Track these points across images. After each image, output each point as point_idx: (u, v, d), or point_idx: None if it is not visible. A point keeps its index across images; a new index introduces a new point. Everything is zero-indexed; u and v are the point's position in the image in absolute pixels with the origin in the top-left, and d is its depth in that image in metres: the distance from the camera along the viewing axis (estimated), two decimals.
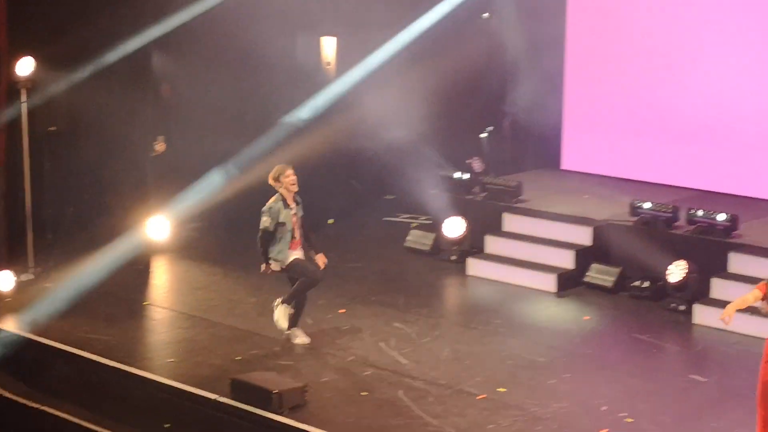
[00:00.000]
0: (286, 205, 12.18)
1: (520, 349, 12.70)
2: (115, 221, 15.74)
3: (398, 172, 17.01)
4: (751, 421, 10.83)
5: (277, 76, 16.35)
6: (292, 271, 12.36)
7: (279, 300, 12.53)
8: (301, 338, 12.62)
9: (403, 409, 11.11)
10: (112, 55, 15.66)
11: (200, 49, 16.55)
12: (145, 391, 11.78)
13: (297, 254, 12.38)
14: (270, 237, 12.20)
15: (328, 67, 17.12)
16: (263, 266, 12.40)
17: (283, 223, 12.17)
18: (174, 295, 14.73)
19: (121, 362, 12.20)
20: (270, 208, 12.16)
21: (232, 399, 11.28)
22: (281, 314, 12.47)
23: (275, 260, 12.31)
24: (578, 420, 10.90)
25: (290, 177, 12.15)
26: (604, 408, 11.17)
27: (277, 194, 12.23)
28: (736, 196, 15.83)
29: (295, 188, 12.20)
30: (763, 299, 9.42)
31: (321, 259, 12.48)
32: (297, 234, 12.30)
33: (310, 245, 12.49)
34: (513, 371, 12.09)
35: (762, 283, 9.46)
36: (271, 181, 12.25)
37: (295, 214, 12.27)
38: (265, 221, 12.16)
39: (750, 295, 9.56)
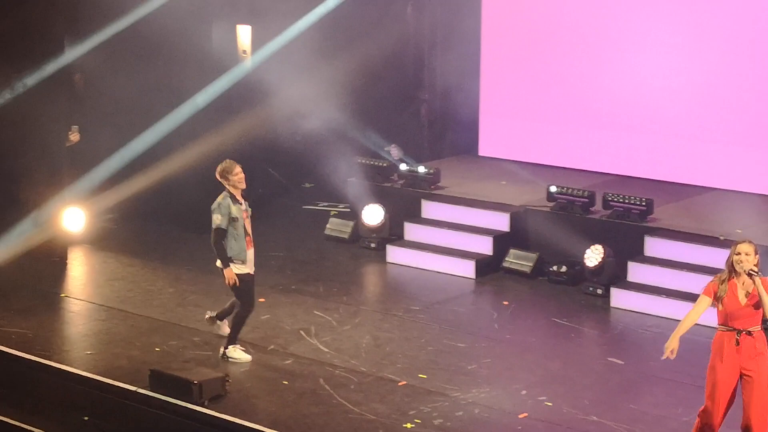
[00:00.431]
0: (236, 201, 11.67)
1: (440, 336, 12.75)
2: (29, 212, 15.52)
3: (316, 160, 16.98)
4: (668, 402, 10.99)
5: (191, 65, 16.21)
6: (242, 285, 11.79)
7: (215, 319, 12.42)
8: (224, 329, 12.40)
9: (324, 397, 11.11)
10: (25, 45, 15.43)
11: (114, 38, 16.35)
12: (63, 384, 11.64)
13: (251, 256, 11.80)
14: (224, 235, 11.61)
15: (243, 55, 17.02)
16: (226, 272, 11.69)
17: (236, 218, 11.63)
18: (91, 286, 14.58)
19: (38, 355, 12.05)
20: (219, 204, 11.63)
21: (152, 390, 11.19)
22: (235, 354, 12.00)
23: (237, 260, 11.69)
24: (498, 404, 10.97)
25: (238, 175, 11.65)
26: (523, 392, 11.25)
27: (224, 191, 11.73)
28: (651, 180, 16.03)
29: (243, 186, 11.72)
30: (711, 301, 9.34)
31: None
32: (249, 230, 11.81)
33: None
34: (433, 357, 12.14)
35: (708, 288, 9.34)
36: (218, 177, 11.76)
37: (246, 210, 11.80)
38: (217, 219, 11.59)
39: (697, 308, 9.38)
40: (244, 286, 11.80)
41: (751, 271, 9.04)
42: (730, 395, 9.24)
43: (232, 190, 11.71)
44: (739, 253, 9.15)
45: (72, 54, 16.09)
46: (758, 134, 15.23)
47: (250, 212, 11.86)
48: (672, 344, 9.38)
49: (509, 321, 13.34)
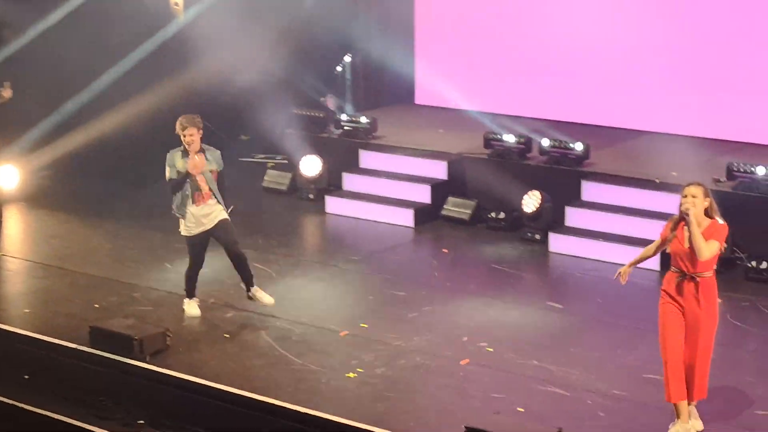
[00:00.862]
0: (186, 155, 11.35)
1: (380, 285, 12.78)
2: None
3: (253, 113, 16.88)
4: (607, 344, 11.11)
5: (125, 20, 16.01)
6: (187, 244, 11.66)
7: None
8: (265, 297, 11.86)
9: (266, 349, 11.11)
10: None
11: None
12: (2, 343, 11.55)
13: (201, 212, 11.43)
14: (178, 186, 11.38)
15: (176, 7, 16.84)
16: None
17: (181, 173, 11.37)
18: (28, 244, 14.45)
19: None
20: (168, 156, 11.40)
21: (92, 347, 11.14)
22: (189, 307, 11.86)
23: (178, 215, 11.50)
24: (440, 351, 11.04)
25: (187, 137, 11.27)
26: (464, 339, 11.32)
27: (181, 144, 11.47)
28: (587, 125, 16.10)
29: (192, 149, 11.31)
30: (663, 242, 9.31)
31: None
32: (204, 187, 11.39)
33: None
34: (374, 307, 12.17)
35: (665, 227, 9.27)
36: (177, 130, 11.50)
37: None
38: (166, 171, 11.40)
39: (652, 245, 9.42)
40: (188, 246, 11.69)
41: (684, 214, 9.02)
42: (676, 335, 9.18)
43: (185, 145, 11.43)
44: (685, 195, 9.05)
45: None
46: (691, 77, 15.33)
47: (210, 168, 11.42)
48: (624, 269, 9.48)
49: (449, 268, 13.39)
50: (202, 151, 11.43)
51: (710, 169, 13.89)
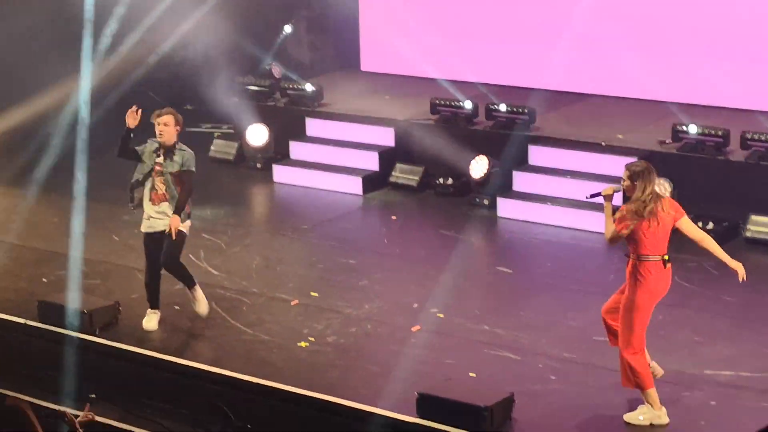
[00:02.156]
0: (157, 149, 10.65)
1: (330, 253, 12.78)
2: None
3: (197, 82, 16.75)
4: (556, 308, 11.19)
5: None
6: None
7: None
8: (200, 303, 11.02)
9: (217, 320, 11.08)
10: None
11: None
12: None
13: (151, 212, 10.68)
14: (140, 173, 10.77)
15: None
16: None
17: (144, 163, 10.70)
18: None
19: None
20: (146, 142, 10.78)
21: (41, 322, 11.07)
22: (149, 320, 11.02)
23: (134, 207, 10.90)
24: (391, 318, 11.06)
25: (157, 127, 10.60)
26: (415, 305, 11.35)
27: None
28: (533, 89, 16.09)
29: (160, 138, 10.60)
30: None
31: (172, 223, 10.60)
32: (161, 187, 10.64)
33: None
34: (324, 275, 12.17)
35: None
36: None
37: (161, 163, 10.63)
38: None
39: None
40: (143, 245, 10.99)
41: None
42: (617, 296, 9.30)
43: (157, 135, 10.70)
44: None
45: None
46: (635, 38, 15.37)
47: (171, 170, 10.58)
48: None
49: (398, 235, 13.41)
50: (172, 149, 10.64)
51: (656, 131, 13.98)
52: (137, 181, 10.81)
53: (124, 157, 10.82)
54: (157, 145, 10.69)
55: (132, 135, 10.69)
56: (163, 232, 10.64)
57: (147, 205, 10.76)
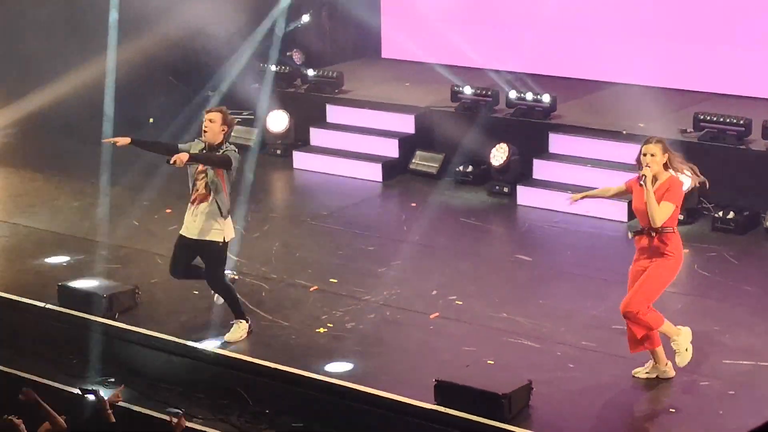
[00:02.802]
0: (203, 149, 10.04)
1: (349, 240, 12.78)
2: None
3: (219, 68, 16.75)
4: (576, 296, 11.17)
5: None
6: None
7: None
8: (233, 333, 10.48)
9: None
10: None
11: None
12: None
13: (189, 216, 10.13)
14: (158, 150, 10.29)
15: None
16: None
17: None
18: None
19: None
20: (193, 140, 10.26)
21: (61, 306, 11.10)
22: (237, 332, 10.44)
23: None
24: (410, 305, 11.06)
25: (206, 123, 9.99)
26: (434, 292, 11.35)
27: None
28: (554, 77, 16.06)
29: (204, 136, 9.97)
30: (625, 191, 9.40)
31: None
32: (199, 186, 10.02)
33: None
34: (344, 262, 12.17)
35: (631, 180, 9.32)
36: None
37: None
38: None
39: (614, 187, 9.53)
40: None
41: (641, 178, 8.97)
42: None
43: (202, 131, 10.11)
44: (644, 154, 9.06)
45: None
46: (658, 27, 15.32)
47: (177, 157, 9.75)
48: (577, 195, 9.66)
49: (417, 222, 13.39)
50: (217, 150, 9.95)
51: (677, 119, 13.93)
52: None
53: (167, 153, 9.98)
54: (202, 145, 10.03)
55: (140, 143, 10.36)
56: (195, 240, 10.07)
57: (188, 207, 10.14)
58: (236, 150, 10.08)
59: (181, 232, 10.27)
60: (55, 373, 10.50)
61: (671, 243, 9.14)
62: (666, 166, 9.10)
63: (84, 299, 10.97)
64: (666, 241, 9.11)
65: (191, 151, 9.97)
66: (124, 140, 10.21)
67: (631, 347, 9.37)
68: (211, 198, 10.00)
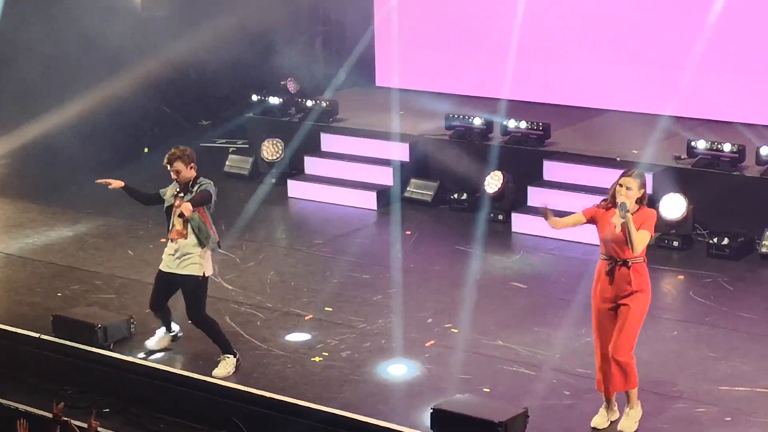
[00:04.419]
0: (179, 191, 10.27)
1: (344, 268, 12.77)
2: None
3: (213, 98, 16.80)
4: (570, 323, 11.16)
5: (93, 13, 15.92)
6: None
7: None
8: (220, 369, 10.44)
9: (230, 334, 11.04)
10: None
11: None
12: None
13: (167, 252, 10.29)
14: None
15: None
16: None
17: (164, 201, 10.35)
18: None
19: None
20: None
21: (55, 336, 11.08)
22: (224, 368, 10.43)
23: None
24: (405, 333, 11.05)
25: (173, 174, 10.21)
26: (429, 320, 11.34)
27: None
28: (547, 104, 16.12)
29: (178, 181, 10.22)
30: (585, 222, 9.23)
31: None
32: (177, 224, 10.14)
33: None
34: (338, 290, 12.16)
35: (589, 210, 9.20)
36: None
37: (181, 197, 10.19)
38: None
39: (571, 217, 9.36)
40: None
41: (622, 206, 8.76)
42: (606, 324, 9.13)
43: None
44: (621, 185, 8.93)
45: None
46: (651, 54, 15.37)
47: (183, 209, 9.93)
48: (546, 212, 9.25)
49: (412, 250, 13.39)
50: (191, 186, 10.18)
51: (671, 146, 13.97)
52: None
53: (151, 204, 10.64)
54: (178, 186, 10.25)
55: (131, 189, 10.49)
56: (173, 274, 10.23)
57: (167, 244, 10.29)
58: (211, 182, 10.24)
59: (160, 267, 10.40)
60: (50, 404, 10.44)
61: (643, 274, 9.01)
62: (639, 201, 9.01)
63: (78, 330, 10.95)
64: (638, 272, 8.97)
65: (167, 195, 10.27)
66: (117, 183, 10.45)
67: (620, 386, 9.19)
68: (188, 233, 10.16)
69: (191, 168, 10.20)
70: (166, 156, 10.25)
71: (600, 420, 9.34)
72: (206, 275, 10.30)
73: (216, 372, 10.36)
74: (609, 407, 9.36)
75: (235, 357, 10.43)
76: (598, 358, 9.21)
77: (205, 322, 10.41)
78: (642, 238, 8.90)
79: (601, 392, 9.32)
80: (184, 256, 10.20)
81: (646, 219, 8.98)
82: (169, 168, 10.20)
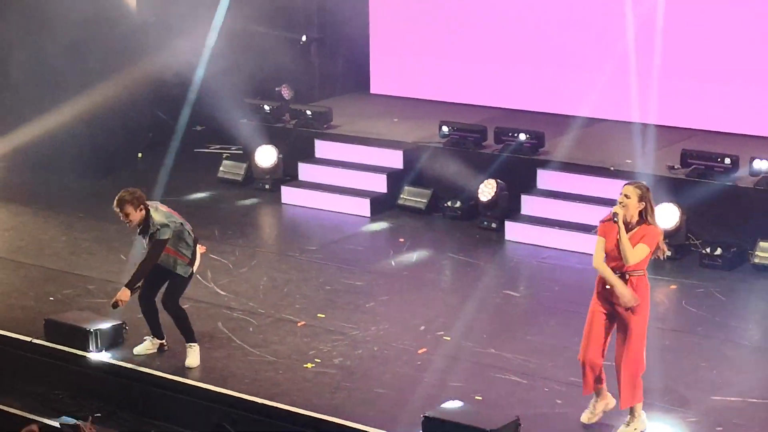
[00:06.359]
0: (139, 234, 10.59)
1: (337, 275, 12.77)
2: None
3: (206, 103, 16.80)
4: (564, 332, 11.16)
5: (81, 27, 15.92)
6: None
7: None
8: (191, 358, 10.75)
9: (223, 340, 11.08)
10: None
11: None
12: None
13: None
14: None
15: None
16: None
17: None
18: None
19: None
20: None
21: (47, 340, 11.06)
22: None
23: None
24: (397, 341, 11.04)
25: (122, 218, 10.39)
26: (422, 328, 11.33)
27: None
28: (542, 113, 16.13)
29: (131, 225, 10.43)
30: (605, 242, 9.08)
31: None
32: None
33: None
34: (331, 297, 12.16)
35: (598, 228, 9.16)
36: None
37: (142, 237, 10.55)
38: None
39: (599, 249, 9.11)
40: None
41: (612, 217, 8.84)
42: (600, 334, 9.18)
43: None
44: (621, 193, 8.94)
45: None
46: (646, 64, 15.39)
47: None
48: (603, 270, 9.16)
49: (405, 258, 13.38)
50: (147, 227, 10.37)
51: (665, 156, 13.98)
52: None
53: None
54: (138, 229, 10.51)
55: (133, 283, 10.46)
56: (164, 267, 10.47)
57: None
58: (161, 224, 10.28)
59: None
60: (42, 408, 10.44)
61: (643, 287, 9.02)
62: (641, 215, 9.01)
63: (70, 334, 10.93)
64: (636, 285, 8.98)
65: (137, 244, 10.65)
66: (125, 294, 10.45)
67: (628, 401, 9.18)
68: (175, 249, 10.49)
69: (140, 209, 10.33)
70: (116, 199, 10.35)
71: (588, 415, 9.39)
72: (191, 274, 10.65)
73: (189, 362, 10.58)
74: (598, 397, 9.34)
75: (196, 344, 10.68)
76: (581, 357, 9.26)
77: (177, 309, 10.67)
78: (636, 252, 8.88)
79: (589, 394, 9.33)
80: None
81: (647, 234, 8.96)
82: (118, 211, 10.33)
